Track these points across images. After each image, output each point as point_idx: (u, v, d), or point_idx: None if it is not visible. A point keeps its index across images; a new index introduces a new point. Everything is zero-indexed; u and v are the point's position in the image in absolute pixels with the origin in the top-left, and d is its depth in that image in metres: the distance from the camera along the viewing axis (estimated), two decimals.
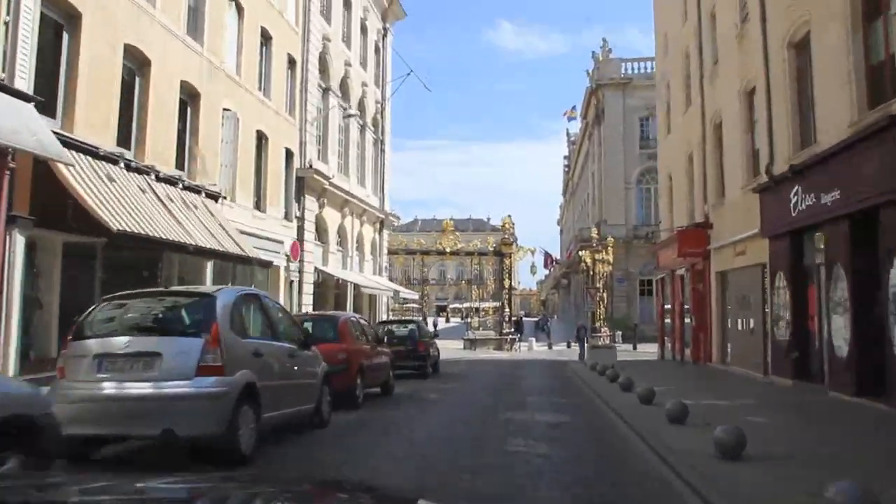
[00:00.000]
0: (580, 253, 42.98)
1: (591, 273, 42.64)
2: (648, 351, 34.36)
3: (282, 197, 24.61)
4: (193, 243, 15.54)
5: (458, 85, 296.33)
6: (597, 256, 42.90)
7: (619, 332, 43.12)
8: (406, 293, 36.89)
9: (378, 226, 35.98)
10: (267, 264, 18.49)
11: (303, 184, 25.83)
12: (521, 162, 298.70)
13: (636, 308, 47.69)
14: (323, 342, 11.68)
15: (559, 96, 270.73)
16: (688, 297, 25.24)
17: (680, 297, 26.28)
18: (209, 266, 18.85)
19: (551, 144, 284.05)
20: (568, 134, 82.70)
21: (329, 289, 29.82)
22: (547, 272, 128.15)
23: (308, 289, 26.00)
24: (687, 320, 25.24)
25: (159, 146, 16.94)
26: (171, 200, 16.34)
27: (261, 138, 22.93)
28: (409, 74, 39.21)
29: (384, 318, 36.40)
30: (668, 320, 29.27)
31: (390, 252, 37.47)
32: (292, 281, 18.35)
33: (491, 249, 38.02)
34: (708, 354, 22.67)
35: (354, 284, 30.46)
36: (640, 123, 49.00)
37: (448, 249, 37.51)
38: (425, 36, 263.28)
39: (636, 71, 49.78)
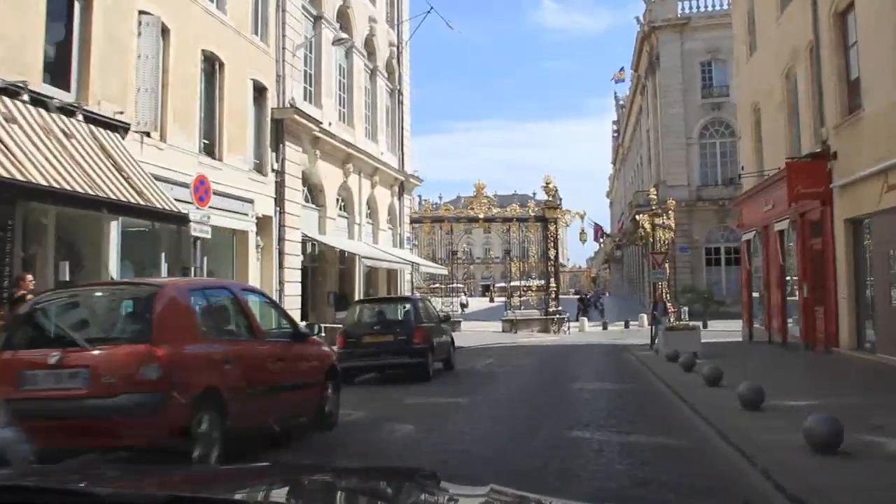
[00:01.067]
0: (637, 217, 36.00)
1: (651, 240, 35.66)
2: (723, 329, 27.57)
3: (250, 143, 18.34)
4: (26, 181, 9.31)
5: (502, 65, 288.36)
6: (656, 221, 35.90)
7: (685, 308, 36.19)
8: (431, 267, 30.30)
9: (397, 189, 29.55)
10: (179, 219, 12.07)
11: (282, 128, 19.51)
12: (568, 141, 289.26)
13: (702, 279, 40.49)
14: (108, 342, 5.42)
15: (606, 73, 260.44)
16: (793, 259, 18.30)
17: (779, 259, 19.26)
18: (114, 226, 12.74)
19: (599, 123, 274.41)
20: (616, 98, 75.06)
21: (330, 264, 23.54)
22: (597, 247, 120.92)
23: (293, 262, 19.74)
24: (792, 290, 18.32)
25: (3, 45, 10.77)
26: (7, 121, 10.13)
27: (212, 62, 16.64)
28: (429, 12, 32.58)
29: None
30: (756, 293, 22.40)
31: (412, 221, 31.01)
32: (197, 239, 11.82)
33: (532, 214, 31.27)
34: (832, 337, 15.71)
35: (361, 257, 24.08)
36: (702, 69, 41.55)
37: (481, 216, 30.85)
38: (469, 19, 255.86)
39: (695, 10, 42.15)
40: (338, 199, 24.13)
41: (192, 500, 1.68)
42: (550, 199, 31.51)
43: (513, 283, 32.14)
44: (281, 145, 19.49)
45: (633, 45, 48.99)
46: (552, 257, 31.20)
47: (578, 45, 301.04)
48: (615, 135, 77.27)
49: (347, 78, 25.00)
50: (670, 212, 37.01)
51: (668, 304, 35.63)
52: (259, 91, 18.73)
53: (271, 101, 19.14)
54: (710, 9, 41.22)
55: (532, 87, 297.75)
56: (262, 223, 18.95)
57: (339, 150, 23.24)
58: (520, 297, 31.26)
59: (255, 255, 18.62)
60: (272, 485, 2.09)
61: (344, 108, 24.77)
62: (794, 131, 18.30)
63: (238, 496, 1.77)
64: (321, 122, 21.13)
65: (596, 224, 73.68)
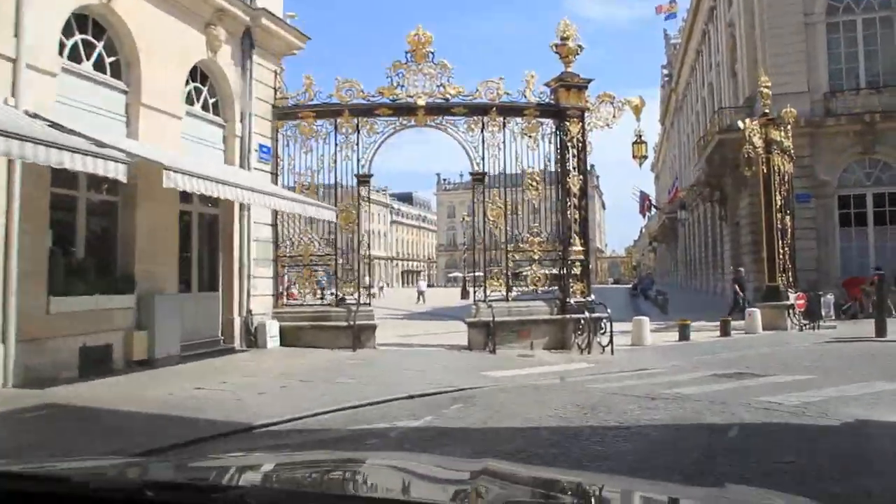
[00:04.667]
0: (740, 123, 18.60)
1: (765, 168, 18.39)
2: None
3: None
4: None
5: (538, 58, 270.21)
6: (772, 134, 18.65)
7: (826, 296, 18.94)
8: (311, 208, 13.15)
9: (222, 36, 12.84)
10: None
11: None
12: (606, 134, 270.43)
13: (835, 248, 23.09)
14: None
15: (647, 65, 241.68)
16: None
17: None
18: None
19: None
20: (666, 35, 57.39)
21: None
22: (637, 235, 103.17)
23: None
24: None
25: None
26: None
27: None
28: None
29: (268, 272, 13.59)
30: None
31: (279, 115, 14.22)
32: None
33: (534, 101, 14.34)
34: None
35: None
36: None
37: (421, 101, 13.98)
38: (511, 8, 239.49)
39: None
40: None
41: (168, 486, 1.57)
42: (569, 69, 14.47)
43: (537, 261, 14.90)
44: None
45: None
46: (575, 189, 14.19)
47: (618, 38, 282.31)
48: (665, 81, 59.35)
49: None
50: (788, 127, 19.81)
51: (790, 290, 18.63)
52: None
53: None
54: None
55: None
56: None
57: None
58: (499, 274, 14.28)
59: None
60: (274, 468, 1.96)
61: None
62: None
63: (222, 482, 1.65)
64: None
65: (642, 192, 55.22)
